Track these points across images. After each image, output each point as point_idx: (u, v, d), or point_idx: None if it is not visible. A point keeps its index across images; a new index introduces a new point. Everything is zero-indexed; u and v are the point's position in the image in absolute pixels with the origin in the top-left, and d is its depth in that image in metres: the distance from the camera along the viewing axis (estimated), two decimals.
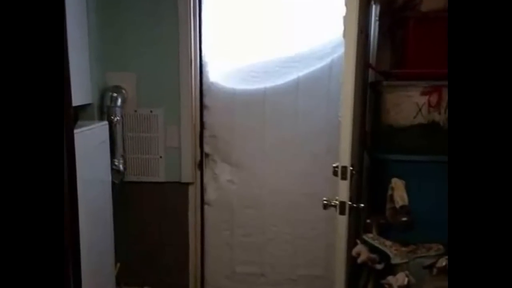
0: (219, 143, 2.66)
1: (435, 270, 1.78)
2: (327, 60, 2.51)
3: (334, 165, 1.69)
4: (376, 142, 2.19)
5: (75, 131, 1.52)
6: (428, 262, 1.80)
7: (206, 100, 2.61)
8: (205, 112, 2.62)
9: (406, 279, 1.76)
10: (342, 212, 1.68)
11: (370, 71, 2.33)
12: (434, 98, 1.96)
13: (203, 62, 2.57)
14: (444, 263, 1.75)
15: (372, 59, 2.37)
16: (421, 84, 1.96)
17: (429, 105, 1.96)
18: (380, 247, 1.88)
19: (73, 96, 1.32)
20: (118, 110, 2.41)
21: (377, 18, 2.32)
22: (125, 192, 2.53)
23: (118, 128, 2.43)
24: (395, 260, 1.83)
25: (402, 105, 1.98)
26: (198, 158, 2.62)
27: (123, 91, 2.46)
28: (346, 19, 1.63)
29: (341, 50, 2.25)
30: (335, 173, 1.68)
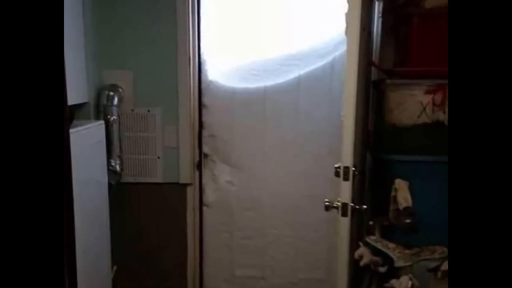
0: (218, 143, 2.62)
1: (439, 273, 1.75)
2: (329, 58, 2.48)
3: (336, 165, 1.67)
4: (379, 142, 2.16)
5: (71, 130, 1.50)
6: (432, 265, 1.78)
7: (205, 99, 2.58)
8: (204, 112, 2.59)
9: (410, 283, 1.74)
10: (344, 214, 1.67)
11: (373, 70, 2.30)
12: (438, 97, 1.93)
13: (201, 60, 2.53)
14: None
15: (375, 57, 2.34)
16: (425, 83, 1.93)
17: (434, 104, 1.93)
18: (383, 249, 1.86)
19: (68, 95, 1.29)
20: (114, 109, 2.38)
21: (380, 15, 2.30)
22: (122, 193, 2.50)
23: (115, 127, 2.39)
24: (399, 263, 1.81)
25: (405, 104, 1.95)
26: (197, 158, 2.59)
27: (120, 89, 2.42)
28: (348, 16, 1.62)
29: (343, 48, 2.24)
30: (337, 174, 1.66)
